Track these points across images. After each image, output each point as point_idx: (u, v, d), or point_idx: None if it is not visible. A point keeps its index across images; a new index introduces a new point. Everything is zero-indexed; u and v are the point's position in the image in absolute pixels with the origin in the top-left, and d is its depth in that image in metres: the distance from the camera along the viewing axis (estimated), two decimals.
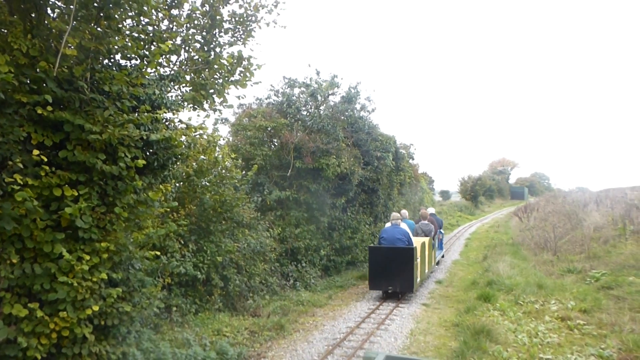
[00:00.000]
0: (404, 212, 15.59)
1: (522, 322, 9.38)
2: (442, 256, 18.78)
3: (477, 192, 55.89)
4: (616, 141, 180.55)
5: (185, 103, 7.54)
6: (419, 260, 12.49)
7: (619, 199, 24.28)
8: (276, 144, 15.41)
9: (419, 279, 12.58)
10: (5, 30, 5.03)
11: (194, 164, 10.11)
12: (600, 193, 34.58)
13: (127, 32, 5.95)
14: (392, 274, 11.77)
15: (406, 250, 11.83)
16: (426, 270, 13.91)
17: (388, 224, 13.03)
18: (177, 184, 9.96)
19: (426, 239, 14.13)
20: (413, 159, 27.53)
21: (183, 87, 7.72)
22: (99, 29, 5.43)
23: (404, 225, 12.72)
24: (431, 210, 17.93)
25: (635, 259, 12.82)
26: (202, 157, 10.18)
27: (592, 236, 17.11)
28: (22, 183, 4.73)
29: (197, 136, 9.38)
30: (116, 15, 5.49)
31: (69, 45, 5.07)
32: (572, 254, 16.21)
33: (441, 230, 18.16)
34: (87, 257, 5.28)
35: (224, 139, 14.74)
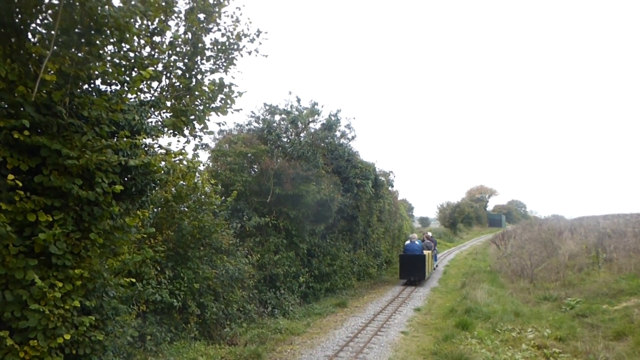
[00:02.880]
0: (415, 235, 22.88)
1: (499, 351, 9.41)
2: (436, 265, 26.70)
3: (455, 219, 56.49)
4: (590, 170, 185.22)
5: (166, 129, 7.52)
6: (427, 263, 20.63)
7: (593, 227, 24.82)
8: (256, 170, 15.43)
9: (427, 274, 21.00)
10: None
11: (173, 189, 10.05)
12: (575, 221, 35.31)
13: (108, 58, 5.96)
14: (412, 270, 20.25)
15: (421, 257, 20.34)
16: (430, 270, 22.38)
17: (408, 242, 21.51)
18: (155, 210, 9.86)
19: (429, 251, 21.99)
20: (393, 187, 27.74)
21: (163, 112, 7.70)
22: (79, 54, 5.44)
23: (417, 242, 21.18)
24: (429, 234, 26.89)
25: (608, 287, 13.04)
26: (182, 182, 10.12)
27: (567, 264, 17.39)
28: None
29: (177, 162, 9.34)
30: (97, 42, 5.50)
31: (49, 70, 5.07)
32: (548, 281, 16.41)
33: (435, 247, 25.92)
34: (60, 284, 5.18)
35: (203, 165, 14.70)
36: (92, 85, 6.15)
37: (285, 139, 16.74)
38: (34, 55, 5.24)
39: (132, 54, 6.49)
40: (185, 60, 7.69)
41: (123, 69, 6.13)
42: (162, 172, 6.99)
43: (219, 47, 7.96)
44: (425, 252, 21.00)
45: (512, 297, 15.02)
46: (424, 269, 20.10)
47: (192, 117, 7.69)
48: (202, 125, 7.94)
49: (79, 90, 5.78)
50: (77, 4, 5.06)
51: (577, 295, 13.32)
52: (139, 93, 6.88)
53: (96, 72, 5.72)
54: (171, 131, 7.69)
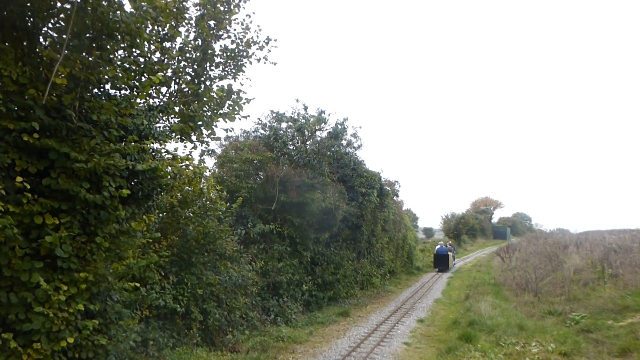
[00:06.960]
0: (442, 242, 36.67)
1: None
2: (455, 263, 36.68)
3: (460, 231, 56.12)
4: (596, 184, 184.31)
5: (173, 134, 7.55)
6: (450, 260, 32.68)
7: (598, 242, 24.64)
8: (262, 177, 15.44)
9: (449, 266, 32.55)
10: None
11: (179, 194, 10.06)
12: (580, 235, 35.08)
13: (119, 63, 6.00)
14: (441, 263, 32.12)
15: (446, 255, 32.42)
16: (451, 265, 33.60)
17: (438, 246, 34.02)
18: (161, 215, 9.86)
19: (451, 253, 33.85)
20: (397, 196, 27.71)
21: (171, 118, 7.75)
22: (90, 58, 5.48)
23: (443, 247, 33.49)
24: (450, 242, 38.91)
25: (613, 302, 12.90)
26: (187, 188, 10.14)
27: (572, 278, 17.22)
28: (2, 210, 4.67)
29: (183, 167, 9.37)
30: (108, 46, 5.55)
31: (60, 74, 5.10)
32: (553, 295, 16.27)
33: (455, 251, 37.80)
34: (65, 287, 5.18)
35: (209, 171, 14.73)
36: (102, 90, 6.19)
37: (291, 147, 16.77)
38: (45, 58, 5.29)
39: (142, 59, 6.55)
40: (195, 67, 7.74)
41: (133, 74, 6.17)
42: (169, 177, 7.02)
43: (228, 53, 8.02)
44: (449, 252, 33.06)
45: (516, 310, 14.89)
46: (447, 263, 32.03)
47: (200, 122, 7.72)
48: (210, 131, 7.97)
49: (88, 94, 5.81)
50: (89, 8, 5.11)
51: (582, 310, 13.19)
52: (148, 98, 6.93)
53: (106, 77, 5.75)
54: (178, 136, 7.72)
